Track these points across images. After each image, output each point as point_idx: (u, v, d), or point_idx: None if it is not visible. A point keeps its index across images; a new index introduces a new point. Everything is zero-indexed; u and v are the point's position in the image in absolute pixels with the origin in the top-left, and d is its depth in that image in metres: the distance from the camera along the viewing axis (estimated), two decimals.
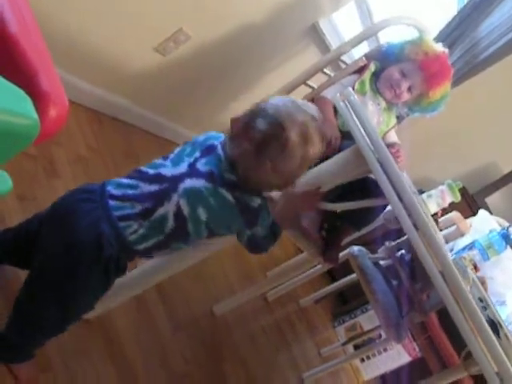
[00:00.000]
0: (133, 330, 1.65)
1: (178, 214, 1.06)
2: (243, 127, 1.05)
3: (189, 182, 1.07)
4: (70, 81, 1.94)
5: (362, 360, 2.84)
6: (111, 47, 1.94)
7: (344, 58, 2.07)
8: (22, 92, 0.76)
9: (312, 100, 1.89)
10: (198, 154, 1.11)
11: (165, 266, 1.43)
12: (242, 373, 2.04)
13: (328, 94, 1.84)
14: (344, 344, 2.73)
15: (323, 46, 2.31)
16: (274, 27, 2.18)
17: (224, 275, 2.29)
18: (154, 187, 1.08)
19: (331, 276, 2.97)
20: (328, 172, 1.28)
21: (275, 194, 1.37)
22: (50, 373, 1.31)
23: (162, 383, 1.66)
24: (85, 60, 1.93)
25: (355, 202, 1.40)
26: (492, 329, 1.13)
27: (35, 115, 0.76)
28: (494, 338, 1.12)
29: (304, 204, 1.32)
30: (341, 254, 1.97)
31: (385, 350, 2.77)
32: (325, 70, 2.04)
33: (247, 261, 2.53)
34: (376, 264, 2.19)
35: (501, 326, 1.16)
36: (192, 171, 1.08)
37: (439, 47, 1.84)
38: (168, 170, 1.10)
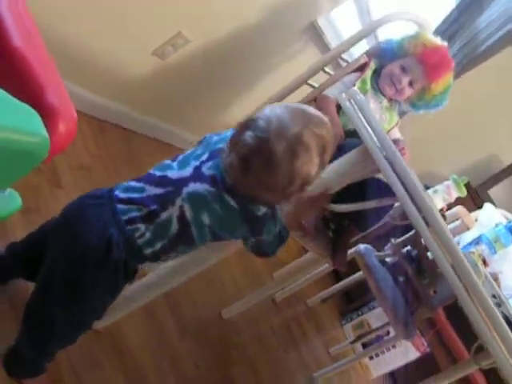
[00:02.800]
0: (142, 338, 1.64)
1: (182, 218, 1.05)
2: (233, 138, 1.02)
3: (192, 186, 1.05)
4: (70, 89, 1.91)
5: (371, 357, 2.83)
6: (109, 53, 1.93)
7: (344, 55, 2.05)
8: (30, 109, 0.74)
9: (314, 99, 1.88)
10: (205, 156, 1.09)
11: (172, 276, 1.42)
12: (252, 375, 2.04)
13: (330, 92, 1.84)
14: (352, 342, 2.73)
15: (322, 44, 2.30)
16: (273, 27, 2.16)
17: (231, 278, 2.28)
18: (159, 190, 1.07)
19: (337, 275, 2.96)
20: (336, 173, 1.27)
21: None
22: None
23: None
24: (83, 67, 1.92)
25: (363, 203, 1.39)
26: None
27: (45, 132, 0.74)
28: (510, 332, 1.11)
29: (312, 207, 1.31)
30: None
31: (393, 346, 2.76)
32: (325, 68, 2.03)
33: (253, 263, 2.52)
34: (382, 261, 2.19)
35: None
36: (196, 175, 1.06)
37: (438, 40, 1.84)
38: (173, 173, 1.09)
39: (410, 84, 1.83)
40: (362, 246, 2.17)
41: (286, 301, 2.52)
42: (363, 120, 1.22)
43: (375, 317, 2.87)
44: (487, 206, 2.12)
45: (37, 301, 1.13)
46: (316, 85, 2.00)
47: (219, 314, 2.06)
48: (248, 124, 0.99)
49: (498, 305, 1.16)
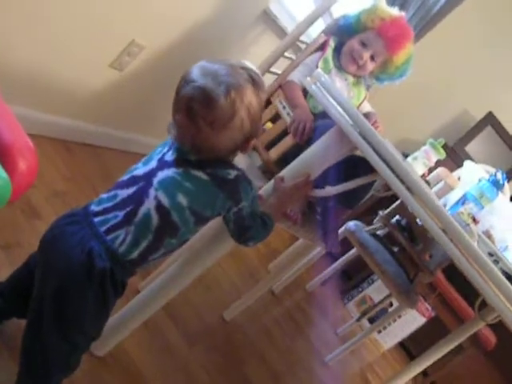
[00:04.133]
0: (149, 356, 1.61)
1: (159, 207, 1.06)
2: (173, 104, 1.06)
3: (160, 174, 1.08)
4: (31, 115, 1.88)
5: (379, 331, 2.84)
6: (66, 74, 1.88)
7: (302, 37, 2.03)
8: None
9: (279, 86, 1.86)
10: (165, 149, 1.13)
11: (166, 287, 1.40)
12: (265, 370, 2.02)
13: (294, 77, 1.81)
14: (358, 320, 2.73)
15: (279, 30, 2.28)
16: (227, 20, 2.13)
17: (226, 279, 2.26)
18: (130, 190, 1.09)
19: (332, 255, 2.96)
20: (314, 158, 1.25)
21: (264, 191, 1.34)
22: None
23: None
24: (42, 91, 1.87)
25: (345, 184, 1.37)
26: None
27: (4, 174, 0.70)
28: (511, 287, 1.11)
29: (296, 196, 1.29)
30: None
31: (399, 316, 2.77)
32: (286, 53, 2.00)
33: (246, 258, 2.51)
34: (374, 235, 2.19)
35: None
36: (161, 164, 1.10)
37: (394, 11, 1.82)
38: (140, 171, 1.12)
39: (372, 58, 1.82)
40: (351, 223, 2.17)
41: (285, 290, 2.51)
42: (332, 101, 1.20)
43: (375, 290, 2.88)
44: (467, 163, 2.12)
45: (30, 331, 1.11)
46: (279, 72, 1.98)
47: (221, 317, 2.04)
48: (179, 86, 1.04)
49: (496, 262, 1.16)
